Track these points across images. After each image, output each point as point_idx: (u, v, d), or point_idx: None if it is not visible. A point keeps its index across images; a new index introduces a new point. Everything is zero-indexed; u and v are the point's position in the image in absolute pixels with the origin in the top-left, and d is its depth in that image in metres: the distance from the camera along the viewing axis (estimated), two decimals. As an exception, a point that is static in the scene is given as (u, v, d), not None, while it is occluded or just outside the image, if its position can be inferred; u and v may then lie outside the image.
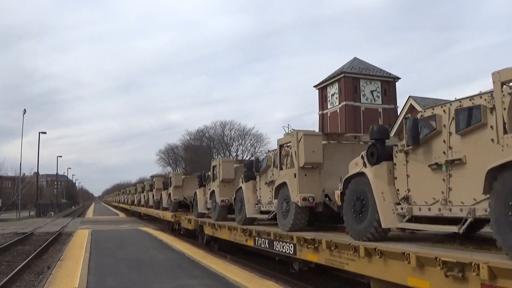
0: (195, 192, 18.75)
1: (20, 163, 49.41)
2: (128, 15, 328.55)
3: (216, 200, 15.25)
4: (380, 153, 7.36)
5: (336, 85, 46.49)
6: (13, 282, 10.59)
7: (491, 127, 5.41)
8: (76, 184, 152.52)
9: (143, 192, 34.65)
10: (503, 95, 5.24)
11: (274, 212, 10.83)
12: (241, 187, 13.11)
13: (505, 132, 5.21)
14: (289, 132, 10.37)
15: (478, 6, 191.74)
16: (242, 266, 11.58)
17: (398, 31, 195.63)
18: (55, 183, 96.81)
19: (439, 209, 6.18)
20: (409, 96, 32.11)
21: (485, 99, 5.52)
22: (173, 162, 79.88)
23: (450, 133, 6.07)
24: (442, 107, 6.25)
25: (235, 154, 71.93)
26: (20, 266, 12.34)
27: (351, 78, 45.42)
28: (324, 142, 9.99)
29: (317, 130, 49.15)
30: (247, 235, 11.94)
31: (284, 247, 9.74)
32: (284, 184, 10.08)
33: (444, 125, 6.17)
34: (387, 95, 46.36)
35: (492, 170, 5.09)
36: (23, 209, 47.68)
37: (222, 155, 72.74)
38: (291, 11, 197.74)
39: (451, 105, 6.11)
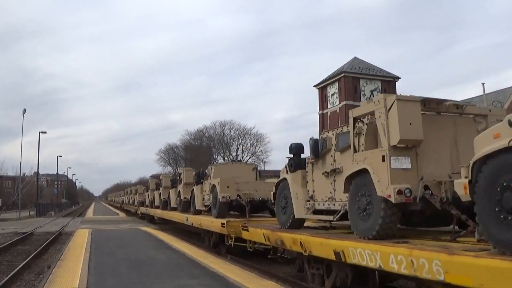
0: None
1: (20, 163, 49.38)
2: (128, 15, 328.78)
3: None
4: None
5: (336, 85, 46.48)
6: (13, 281, 10.59)
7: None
8: (76, 184, 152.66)
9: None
10: (354, 127, 7.98)
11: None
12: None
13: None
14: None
15: (479, 6, 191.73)
16: (242, 266, 11.58)
17: (398, 31, 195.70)
18: (55, 182, 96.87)
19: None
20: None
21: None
22: (173, 162, 79.83)
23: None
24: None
25: (235, 154, 71.96)
26: (20, 266, 12.34)
27: (351, 78, 45.41)
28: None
29: (317, 130, 49.37)
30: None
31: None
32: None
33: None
34: (387, 95, 46.35)
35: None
36: (23, 208, 47.66)
37: (222, 155, 72.81)
38: (291, 11, 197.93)
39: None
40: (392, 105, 7.00)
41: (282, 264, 12.06)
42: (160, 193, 27.04)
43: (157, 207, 27.68)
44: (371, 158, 7.29)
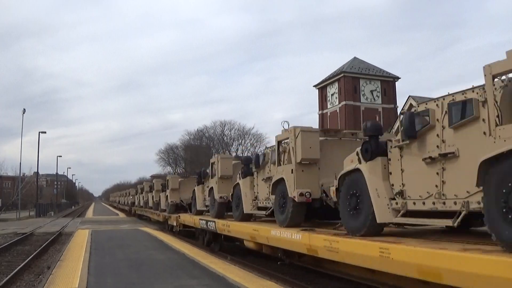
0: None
1: (20, 163, 49.39)
2: (129, 13, 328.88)
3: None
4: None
5: (336, 85, 46.50)
6: (13, 282, 10.59)
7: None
8: (76, 184, 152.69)
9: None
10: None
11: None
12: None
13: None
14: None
15: (479, 5, 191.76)
16: (242, 266, 11.57)
17: (398, 31, 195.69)
18: (55, 183, 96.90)
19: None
20: (409, 96, 32.15)
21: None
22: (173, 162, 79.87)
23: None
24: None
25: (235, 154, 71.91)
26: (20, 266, 12.33)
27: (351, 78, 45.44)
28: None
29: (317, 130, 48.98)
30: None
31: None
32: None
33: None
34: (387, 94, 46.38)
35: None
36: (23, 209, 47.65)
37: (217, 154, 72.71)
38: (292, 10, 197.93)
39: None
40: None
41: (283, 265, 12.06)
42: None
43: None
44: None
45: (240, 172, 13.20)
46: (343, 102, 44.51)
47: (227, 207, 14.90)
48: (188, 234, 19.88)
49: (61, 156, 78.75)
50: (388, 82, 47.21)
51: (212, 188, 15.64)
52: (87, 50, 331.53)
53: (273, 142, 11.91)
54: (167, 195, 23.22)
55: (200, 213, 17.87)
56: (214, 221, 14.54)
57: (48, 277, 9.98)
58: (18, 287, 10.44)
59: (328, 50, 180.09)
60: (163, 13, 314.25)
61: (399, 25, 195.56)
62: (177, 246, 16.12)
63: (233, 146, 72.94)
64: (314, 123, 52.44)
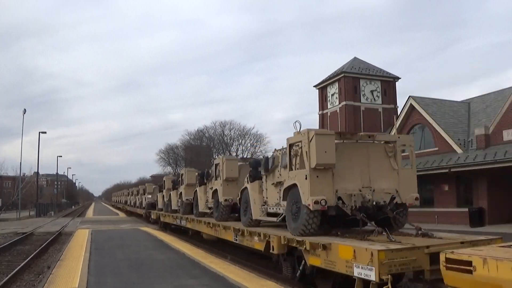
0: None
1: (20, 163, 49.56)
2: (129, 13, 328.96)
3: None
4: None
5: (336, 85, 46.43)
6: (13, 282, 10.59)
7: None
8: (76, 184, 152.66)
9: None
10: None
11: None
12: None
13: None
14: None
15: (480, 5, 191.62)
16: (242, 266, 11.58)
17: (398, 31, 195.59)
18: (55, 183, 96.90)
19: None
20: (409, 96, 32.14)
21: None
22: (173, 162, 79.78)
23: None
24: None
25: (235, 154, 71.87)
26: (20, 266, 12.34)
27: (351, 78, 45.31)
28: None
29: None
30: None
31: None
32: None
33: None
34: (387, 95, 46.30)
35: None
36: (23, 209, 47.68)
37: (222, 154, 72.66)
38: (292, 10, 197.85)
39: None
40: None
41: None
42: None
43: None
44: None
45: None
46: (343, 102, 44.42)
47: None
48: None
49: (61, 156, 78.95)
50: (388, 82, 47.14)
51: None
52: (87, 50, 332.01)
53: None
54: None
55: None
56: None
57: (48, 276, 9.99)
58: (18, 286, 10.44)
59: (328, 50, 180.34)
60: (163, 13, 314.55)
61: (399, 25, 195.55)
62: (177, 246, 16.11)
63: (233, 146, 72.96)
64: (314, 123, 52.49)
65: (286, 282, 9.69)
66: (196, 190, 18.26)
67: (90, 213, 58.51)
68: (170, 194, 23.61)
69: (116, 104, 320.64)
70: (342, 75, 45.31)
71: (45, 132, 55.00)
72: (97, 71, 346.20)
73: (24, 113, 46.54)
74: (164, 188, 25.34)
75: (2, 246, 17.13)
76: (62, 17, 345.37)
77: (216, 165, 15.74)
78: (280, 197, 10.63)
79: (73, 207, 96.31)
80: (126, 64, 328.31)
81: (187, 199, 20.01)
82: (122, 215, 48.10)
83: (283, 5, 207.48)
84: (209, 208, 16.61)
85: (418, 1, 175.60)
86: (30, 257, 14.17)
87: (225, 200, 14.43)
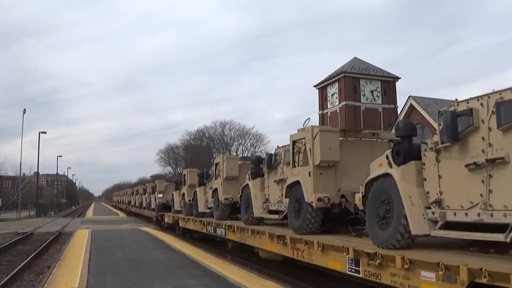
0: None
1: (20, 163, 49.55)
2: (129, 13, 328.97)
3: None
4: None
5: (336, 85, 46.44)
6: (13, 282, 10.58)
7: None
8: (76, 184, 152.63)
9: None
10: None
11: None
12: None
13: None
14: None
15: (480, 5, 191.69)
16: (242, 266, 11.56)
17: (398, 31, 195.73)
18: (55, 183, 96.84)
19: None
20: (409, 96, 32.14)
21: None
22: (173, 162, 79.77)
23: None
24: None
25: (235, 153, 71.87)
26: (20, 266, 12.33)
27: (351, 78, 45.35)
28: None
29: (317, 130, 49.00)
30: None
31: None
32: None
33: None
34: (387, 95, 46.32)
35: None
36: (23, 209, 47.65)
37: (222, 154, 72.62)
38: (292, 10, 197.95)
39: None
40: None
41: (283, 265, 12.06)
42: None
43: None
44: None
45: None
46: (343, 102, 44.44)
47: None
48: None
49: (61, 156, 78.91)
50: (388, 82, 47.15)
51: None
52: (87, 50, 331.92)
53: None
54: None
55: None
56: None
57: (48, 276, 9.98)
58: (18, 286, 10.43)
59: (328, 50, 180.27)
60: (163, 13, 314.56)
61: (399, 25, 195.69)
62: (177, 246, 16.11)
63: (233, 146, 72.94)
64: (315, 123, 52.45)
65: (286, 282, 9.70)
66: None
67: (90, 213, 58.49)
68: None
69: (116, 104, 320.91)
70: (342, 75, 45.31)
71: (45, 132, 54.87)
72: (97, 71, 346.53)
73: (24, 113, 46.55)
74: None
75: (2, 246, 17.12)
76: (62, 17, 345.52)
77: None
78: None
79: (73, 207, 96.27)
80: (126, 64, 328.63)
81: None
82: (122, 215, 48.08)
83: (283, 5, 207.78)
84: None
85: (418, 1, 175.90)
86: (30, 257, 14.17)
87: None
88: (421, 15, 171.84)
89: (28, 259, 13.71)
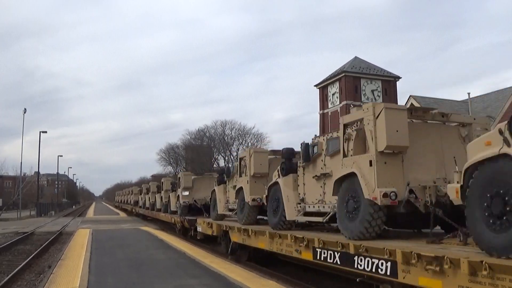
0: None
1: (21, 163, 49.73)
2: (129, 13, 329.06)
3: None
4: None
5: (336, 85, 46.42)
6: (14, 281, 10.59)
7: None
8: (77, 184, 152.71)
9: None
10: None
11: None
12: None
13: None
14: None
15: (480, 5, 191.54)
16: (242, 266, 11.56)
17: (398, 31, 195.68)
18: (56, 182, 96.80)
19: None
20: (410, 96, 32.11)
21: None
22: (173, 162, 79.76)
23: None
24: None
25: (235, 153, 71.90)
26: (21, 265, 12.34)
27: (351, 78, 45.34)
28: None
29: (317, 130, 49.36)
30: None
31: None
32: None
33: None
34: (388, 94, 46.28)
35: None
36: (24, 208, 47.70)
37: (222, 154, 72.68)
38: (292, 10, 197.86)
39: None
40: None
41: (283, 264, 12.05)
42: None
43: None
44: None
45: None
46: (344, 102, 44.40)
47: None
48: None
49: (61, 156, 78.94)
50: (389, 82, 47.14)
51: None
52: (87, 50, 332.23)
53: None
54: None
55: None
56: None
57: (49, 276, 9.99)
58: (19, 286, 10.44)
59: (328, 50, 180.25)
60: (163, 13, 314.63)
61: (399, 25, 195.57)
62: (177, 245, 16.10)
63: (234, 145, 72.94)
64: (315, 123, 52.46)
65: (286, 282, 9.69)
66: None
67: (90, 212, 58.50)
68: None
69: (116, 104, 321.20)
70: (343, 74, 45.29)
71: (45, 132, 54.74)
72: (97, 71, 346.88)
73: (25, 112, 46.58)
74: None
75: (3, 245, 17.13)
76: (62, 17, 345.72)
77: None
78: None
79: (73, 206, 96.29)
80: (126, 64, 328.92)
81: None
82: (122, 215, 48.07)
83: (283, 5, 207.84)
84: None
85: (418, 1, 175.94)
86: (31, 256, 14.18)
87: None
88: (421, 15, 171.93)
89: (28, 258, 13.72)
